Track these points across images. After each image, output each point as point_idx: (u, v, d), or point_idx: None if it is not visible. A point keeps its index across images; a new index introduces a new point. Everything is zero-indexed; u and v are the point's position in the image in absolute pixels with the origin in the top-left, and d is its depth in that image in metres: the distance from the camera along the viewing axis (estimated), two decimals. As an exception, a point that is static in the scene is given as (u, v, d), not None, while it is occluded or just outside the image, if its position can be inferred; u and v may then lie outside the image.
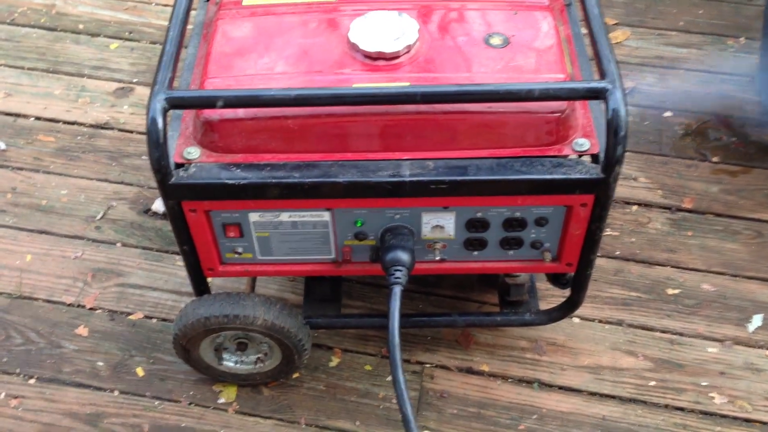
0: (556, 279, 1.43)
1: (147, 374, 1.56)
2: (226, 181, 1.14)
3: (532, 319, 1.46)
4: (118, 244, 1.75)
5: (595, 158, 1.16)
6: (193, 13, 1.28)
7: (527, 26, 1.22)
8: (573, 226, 1.22)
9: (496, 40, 1.20)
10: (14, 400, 1.53)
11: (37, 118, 2.01)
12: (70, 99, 2.05)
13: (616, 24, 2.19)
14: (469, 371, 1.55)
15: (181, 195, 1.16)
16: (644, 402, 1.50)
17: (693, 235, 1.74)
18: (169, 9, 1.25)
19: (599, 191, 1.15)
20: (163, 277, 1.70)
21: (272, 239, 1.26)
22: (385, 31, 1.18)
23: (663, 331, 1.59)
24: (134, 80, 2.09)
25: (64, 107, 2.03)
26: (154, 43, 2.18)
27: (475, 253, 1.28)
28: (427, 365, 1.55)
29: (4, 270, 1.72)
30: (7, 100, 2.05)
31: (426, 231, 1.24)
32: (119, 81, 2.09)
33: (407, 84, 1.14)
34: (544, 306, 1.52)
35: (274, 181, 1.14)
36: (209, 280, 1.36)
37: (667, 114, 1.97)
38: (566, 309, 1.43)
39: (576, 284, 1.36)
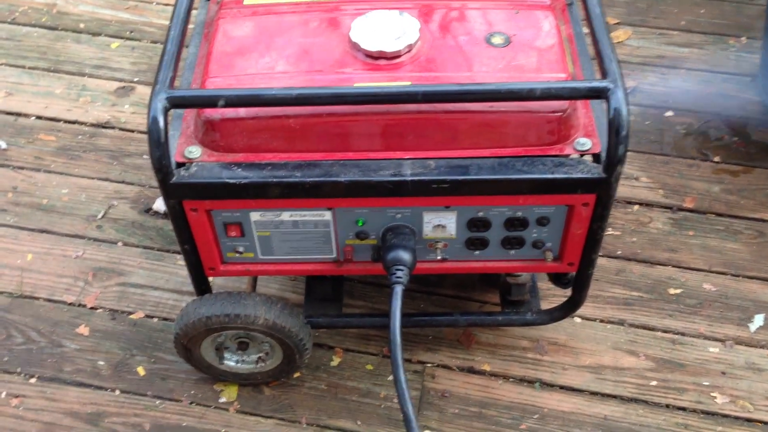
0: (558, 279, 1.43)
1: (148, 373, 1.56)
2: (228, 180, 1.14)
3: (534, 318, 1.46)
4: (119, 244, 1.75)
5: (596, 158, 1.16)
6: (194, 12, 1.28)
7: (528, 25, 1.22)
8: (575, 225, 1.22)
9: (497, 40, 1.20)
10: (15, 399, 1.53)
11: (38, 117, 2.01)
12: (71, 98, 2.05)
13: (617, 23, 2.19)
14: (471, 371, 1.55)
15: (182, 194, 1.16)
16: (646, 402, 1.50)
17: (694, 234, 1.73)
18: (170, 8, 1.25)
19: (601, 191, 1.15)
20: (164, 276, 1.70)
21: (273, 238, 1.26)
22: (386, 30, 1.17)
23: (664, 331, 1.59)
24: (135, 79, 2.09)
25: (65, 106, 2.03)
26: (155, 42, 2.18)
27: (477, 252, 1.28)
28: (429, 365, 1.55)
29: (5, 269, 1.72)
30: (8, 99, 2.05)
31: (427, 230, 1.24)
32: (120, 80, 2.09)
33: (408, 83, 1.14)
34: (545, 306, 1.52)
35: (275, 180, 1.14)
36: (210, 279, 1.36)
37: (669, 113, 1.97)
38: (568, 309, 1.43)
39: (577, 284, 1.36)
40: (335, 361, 1.56)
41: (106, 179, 1.87)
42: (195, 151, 1.17)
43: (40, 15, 2.27)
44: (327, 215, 1.22)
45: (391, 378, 1.53)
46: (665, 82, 2.04)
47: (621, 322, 1.60)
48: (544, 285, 1.58)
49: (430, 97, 1.08)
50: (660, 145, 1.90)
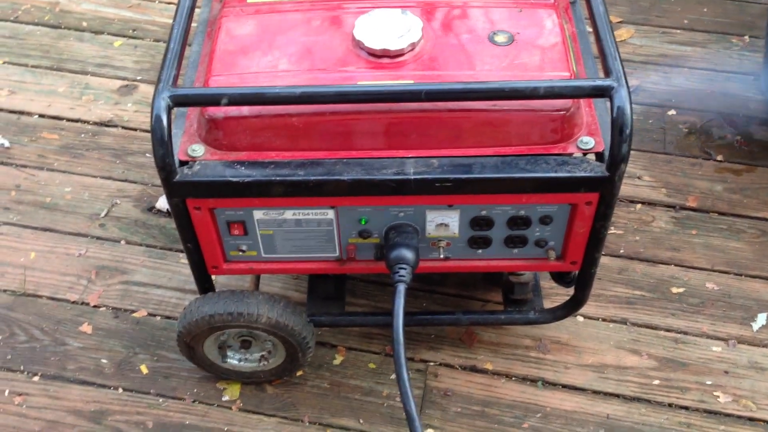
0: (561, 277, 1.43)
1: (151, 372, 1.56)
2: (231, 178, 1.14)
3: (536, 317, 1.46)
4: (122, 242, 1.75)
5: (599, 156, 1.16)
6: (197, 10, 1.28)
7: (532, 24, 1.22)
8: (578, 224, 1.21)
9: (500, 38, 1.20)
10: (18, 397, 1.53)
11: (41, 116, 2.01)
12: (73, 96, 2.05)
13: (620, 22, 2.18)
14: (473, 369, 1.55)
15: (185, 193, 1.16)
16: (648, 401, 1.50)
17: (697, 233, 1.73)
18: (173, 6, 1.25)
19: (604, 189, 1.15)
20: (167, 274, 1.70)
21: (276, 237, 1.26)
22: (389, 28, 1.17)
23: (667, 330, 1.59)
24: (138, 78, 2.09)
25: (67, 105, 2.03)
26: (157, 40, 2.18)
27: (480, 251, 1.28)
28: (431, 363, 1.55)
29: (9, 267, 1.72)
30: (11, 97, 2.05)
31: (430, 229, 1.24)
32: (123, 78, 2.09)
33: (411, 82, 1.14)
34: (548, 304, 1.52)
35: (278, 178, 1.14)
36: (213, 277, 1.36)
37: (672, 112, 1.97)
38: (570, 307, 1.43)
39: (580, 283, 1.36)
40: (338, 359, 1.56)
41: (109, 178, 1.87)
42: (198, 150, 1.17)
43: (43, 13, 2.27)
44: (330, 214, 1.22)
45: (393, 376, 1.53)
46: (668, 80, 2.04)
47: (623, 321, 1.60)
48: (547, 284, 1.58)
49: (434, 96, 1.08)
50: (663, 144, 1.90)
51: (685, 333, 1.58)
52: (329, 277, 1.51)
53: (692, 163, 1.86)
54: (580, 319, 1.60)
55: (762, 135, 1.91)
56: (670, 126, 1.94)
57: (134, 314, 1.64)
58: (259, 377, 1.50)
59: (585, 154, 1.16)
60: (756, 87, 2.00)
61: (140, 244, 1.75)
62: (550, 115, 1.14)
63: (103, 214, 1.80)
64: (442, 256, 1.28)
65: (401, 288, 1.20)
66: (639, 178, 1.83)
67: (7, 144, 1.94)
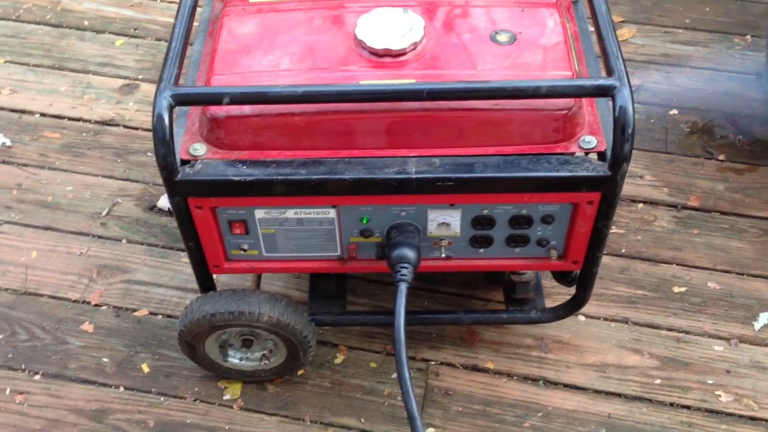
0: (562, 277, 1.43)
1: (152, 370, 1.56)
2: (232, 177, 1.14)
3: (538, 316, 1.46)
4: (124, 241, 1.75)
5: (601, 156, 1.16)
6: (199, 9, 1.28)
7: (534, 23, 1.22)
8: (579, 223, 1.21)
9: (502, 37, 1.20)
10: (19, 395, 1.53)
11: (43, 115, 2.01)
12: (75, 95, 2.05)
13: (622, 21, 2.18)
14: (475, 368, 1.55)
15: (187, 192, 1.16)
16: (650, 400, 1.50)
17: (699, 233, 1.73)
18: (174, 6, 1.26)
19: (606, 189, 1.15)
20: (169, 273, 1.70)
21: (278, 236, 1.26)
22: (391, 27, 1.17)
23: (669, 329, 1.59)
24: (139, 77, 2.09)
25: (69, 104, 2.03)
26: (159, 39, 2.18)
27: (481, 250, 1.28)
28: (432, 362, 1.55)
29: (10, 266, 1.72)
30: (13, 96, 2.05)
31: (432, 228, 1.24)
32: (125, 78, 2.09)
33: (413, 81, 1.14)
34: (549, 304, 1.52)
35: (280, 177, 1.14)
36: (214, 276, 1.35)
37: (673, 112, 1.96)
38: (572, 307, 1.43)
39: (582, 282, 1.36)
40: (339, 358, 1.56)
41: (111, 176, 1.87)
42: (200, 149, 1.17)
43: (45, 12, 2.27)
44: (331, 213, 1.22)
45: (394, 375, 1.53)
46: (670, 80, 2.04)
47: (625, 321, 1.60)
48: (549, 283, 1.58)
49: (435, 95, 1.08)
50: (664, 144, 1.90)
51: (687, 332, 1.58)
52: (330, 276, 1.51)
53: (694, 163, 1.86)
54: (582, 318, 1.60)
55: (764, 134, 1.91)
56: (672, 125, 1.94)
57: (135, 313, 1.64)
58: (261, 376, 1.50)
59: (587, 154, 1.16)
60: (758, 86, 1.99)
61: (141, 243, 1.75)
62: (552, 114, 1.14)
63: (104, 213, 1.80)
64: (443, 256, 1.28)
65: (403, 287, 1.20)
66: (641, 177, 1.83)
67: (8, 143, 1.94)
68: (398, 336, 1.16)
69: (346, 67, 1.17)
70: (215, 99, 1.09)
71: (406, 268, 1.21)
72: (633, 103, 1.06)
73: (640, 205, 1.78)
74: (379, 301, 1.63)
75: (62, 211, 1.81)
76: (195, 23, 1.22)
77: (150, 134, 1.09)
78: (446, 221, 1.23)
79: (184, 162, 1.16)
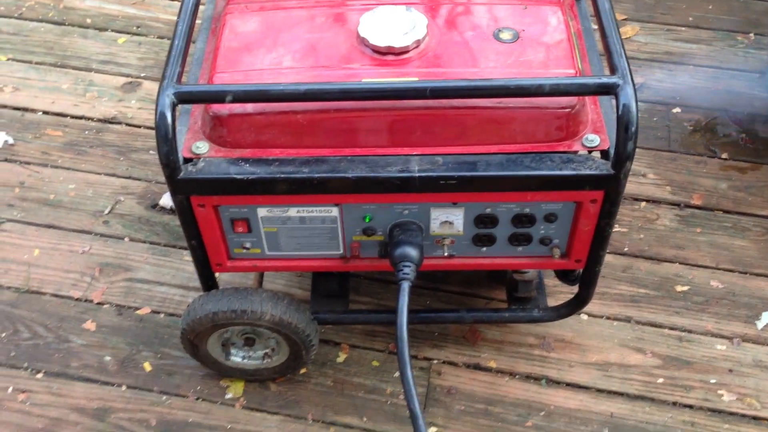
0: (565, 275, 1.42)
1: (154, 369, 1.56)
2: (235, 176, 1.14)
3: (540, 315, 1.46)
4: (126, 239, 1.75)
5: (605, 154, 1.16)
6: (201, 7, 1.28)
7: (537, 21, 1.22)
8: (582, 222, 1.21)
9: (505, 35, 1.19)
10: (22, 394, 1.53)
11: (45, 113, 2.01)
12: (77, 93, 2.05)
13: (625, 19, 2.18)
14: (477, 367, 1.54)
15: (189, 190, 1.16)
16: (652, 399, 1.50)
17: (702, 231, 1.73)
18: (177, 3, 1.25)
19: (609, 187, 1.15)
20: (171, 272, 1.70)
21: (280, 234, 1.26)
22: (394, 25, 1.17)
23: (671, 328, 1.59)
24: (142, 75, 2.09)
25: (71, 102, 2.03)
26: (161, 37, 2.18)
27: (484, 249, 1.28)
28: (435, 361, 1.55)
29: (12, 264, 1.72)
30: (15, 94, 2.05)
31: (435, 227, 1.24)
32: (127, 75, 2.09)
33: (416, 79, 1.14)
34: (552, 302, 1.52)
35: (282, 176, 1.14)
36: (217, 275, 1.35)
37: (676, 110, 1.96)
38: (574, 306, 1.42)
39: (584, 281, 1.36)
40: (341, 357, 1.56)
41: (113, 175, 1.87)
42: (202, 147, 1.17)
43: (47, 10, 2.27)
44: (334, 211, 1.22)
45: (397, 374, 1.53)
46: (673, 78, 2.04)
47: (628, 320, 1.60)
48: (551, 282, 1.58)
49: (438, 93, 1.08)
50: (667, 142, 1.90)
51: (690, 331, 1.58)
52: (333, 275, 1.51)
53: (697, 161, 1.86)
54: (584, 317, 1.60)
55: (767, 132, 1.90)
56: (675, 123, 1.93)
57: (138, 311, 1.64)
58: (263, 375, 1.50)
59: (590, 152, 1.16)
60: (761, 84, 1.99)
61: (144, 242, 1.75)
62: (556, 112, 1.14)
63: (106, 211, 1.80)
64: (446, 254, 1.28)
65: (405, 286, 1.19)
66: (643, 175, 1.83)
67: (11, 141, 1.94)
68: (401, 335, 1.15)
69: (349, 65, 1.16)
70: (218, 97, 1.09)
71: (409, 266, 1.21)
72: (636, 101, 1.06)
73: (643, 204, 1.78)
74: (381, 299, 1.63)
75: (64, 209, 1.81)
76: (198, 21, 1.21)
77: (152, 132, 1.09)
78: (449, 220, 1.23)
79: (187, 160, 1.16)
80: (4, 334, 1.61)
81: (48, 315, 1.63)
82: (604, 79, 1.08)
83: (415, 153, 1.15)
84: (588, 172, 1.13)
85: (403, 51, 1.16)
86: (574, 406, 1.49)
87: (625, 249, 1.70)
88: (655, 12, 2.20)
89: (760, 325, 1.58)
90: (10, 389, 1.54)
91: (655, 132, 1.91)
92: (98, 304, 1.65)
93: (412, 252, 1.21)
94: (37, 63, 2.13)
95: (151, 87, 2.05)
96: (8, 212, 1.80)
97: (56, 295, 1.67)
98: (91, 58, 2.13)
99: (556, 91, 1.07)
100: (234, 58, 1.18)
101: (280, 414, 1.50)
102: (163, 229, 1.77)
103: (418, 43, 1.17)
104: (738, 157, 1.86)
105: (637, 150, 1.10)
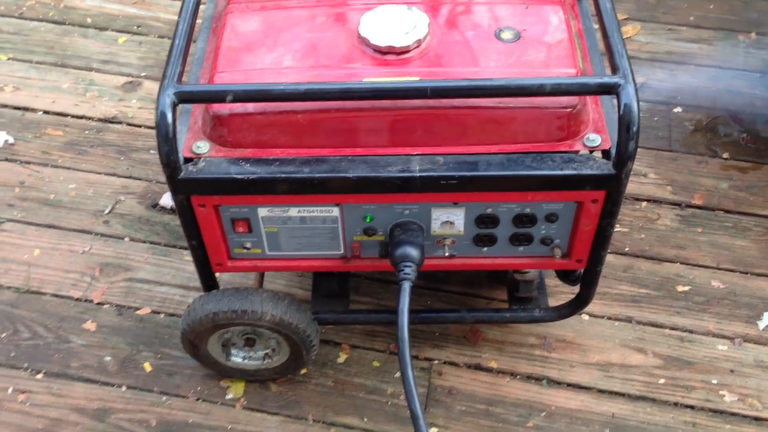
0: (566, 275, 1.42)
1: (154, 369, 1.55)
2: (235, 175, 1.13)
3: (541, 315, 1.46)
4: (126, 239, 1.75)
5: (606, 154, 1.15)
6: (202, 7, 1.27)
7: (538, 20, 1.22)
8: (584, 222, 1.21)
9: (506, 35, 1.19)
10: (21, 394, 1.53)
11: (45, 112, 2.01)
12: (78, 93, 2.05)
13: (626, 19, 2.17)
14: (478, 368, 1.54)
15: (190, 190, 1.16)
16: (654, 399, 1.49)
17: (703, 231, 1.73)
18: (178, 3, 1.25)
19: (610, 187, 1.15)
20: (171, 271, 1.69)
21: (281, 234, 1.25)
22: (395, 25, 1.17)
23: (672, 329, 1.58)
24: (142, 74, 2.09)
25: (72, 101, 2.03)
26: (162, 37, 2.18)
27: (485, 249, 1.28)
28: (436, 361, 1.55)
29: (12, 264, 1.72)
30: (16, 93, 2.05)
31: (435, 227, 1.24)
32: (127, 75, 2.09)
33: (417, 78, 1.13)
34: (553, 302, 1.51)
35: (283, 176, 1.13)
36: (217, 275, 1.35)
37: (677, 110, 1.96)
38: (575, 306, 1.42)
39: (586, 281, 1.35)
40: (342, 357, 1.56)
41: (114, 174, 1.87)
42: (203, 147, 1.16)
43: (48, 9, 2.26)
44: (335, 211, 1.22)
45: (397, 375, 1.53)
46: (674, 77, 2.03)
47: (629, 320, 1.60)
48: (552, 282, 1.58)
49: (439, 93, 1.07)
50: (668, 142, 1.89)
51: (691, 331, 1.58)
52: (333, 275, 1.51)
53: (698, 161, 1.85)
54: (585, 317, 1.60)
55: (768, 133, 1.91)
56: (676, 123, 1.93)
57: (138, 311, 1.64)
58: (263, 375, 1.50)
59: (591, 152, 1.16)
60: (762, 84, 1.99)
61: (144, 241, 1.75)
62: (557, 112, 1.14)
63: (107, 211, 1.80)
64: (447, 254, 1.28)
65: (406, 286, 1.19)
66: (644, 175, 1.82)
67: (11, 140, 1.94)
68: (402, 335, 1.15)
69: (350, 65, 1.16)
70: (218, 96, 1.09)
71: (410, 266, 1.20)
72: (638, 101, 1.06)
73: (644, 204, 1.78)
74: (382, 299, 1.63)
75: (65, 209, 1.81)
76: (198, 20, 1.21)
77: (153, 132, 1.09)
78: (450, 220, 1.23)
79: (187, 160, 1.16)
80: (4, 335, 1.61)
81: (48, 315, 1.63)
82: (606, 79, 1.07)
83: (415, 153, 1.15)
84: (589, 172, 1.13)
85: (404, 50, 1.16)
86: (575, 407, 1.49)
87: (626, 249, 1.70)
88: (656, 11, 2.20)
89: (761, 325, 1.58)
90: (10, 389, 1.53)
91: (656, 132, 1.91)
92: (98, 304, 1.65)
93: (413, 252, 1.21)
94: (37, 62, 2.12)
95: (151, 86, 2.05)
96: (8, 212, 1.80)
97: (56, 295, 1.66)
98: (92, 58, 2.13)
99: (558, 90, 1.07)
100: (235, 58, 1.18)
101: (280, 414, 1.49)
102: (163, 228, 1.77)
103: (419, 42, 1.16)
104: (739, 157, 1.86)
105: (637, 150, 1.09)
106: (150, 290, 1.67)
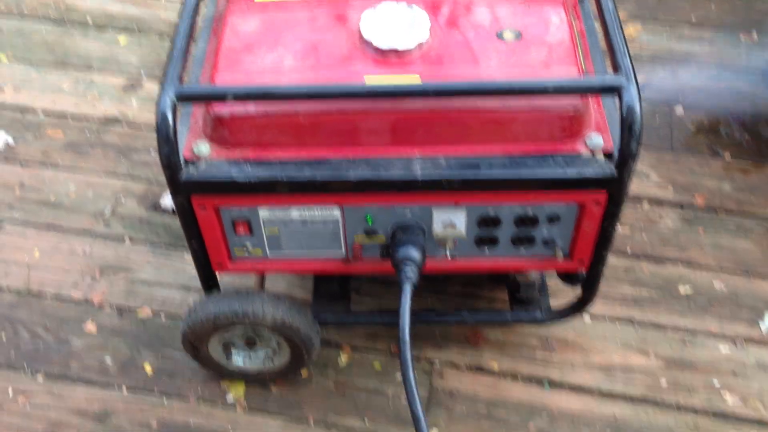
0: (568, 277, 1.41)
1: (155, 371, 1.55)
2: (236, 177, 1.13)
3: (543, 316, 1.45)
4: (127, 240, 1.75)
5: (608, 155, 1.15)
6: (203, 7, 1.27)
7: (540, 20, 1.21)
8: (585, 223, 1.20)
9: (508, 35, 1.19)
10: (22, 396, 1.52)
11: (46, 113, 2.00)
12: (78, 93, 2.04)
13: (627, 19, 2.17)
14: (479, 369, 1.54)
15: (190, 191, 1.16)
16: (656, 401, 1.49)
17: (705, 232, 1.72)
18: (178, 3, 1.25)
19: (613, 188, 1.14)
20: (172, 273, 1.69)
21: (282, 236, 1.25)
22: (396, 24, 1.16)
23: (674, 330, 1.58)
24: (143, 75, 2.08)
25: (72, 101, 2.02)
26: (162, 37, 2.18)
27: (487, 250, 1.27)
28: (437, 363, 1.54)
29: (13, 266, 1.71)
30: (16, 94, 2.04)
31: (437, 228, 1.23)
32: (128, 76, 2.08)
33: (418, 78, 1.13)
34: (554, 303, 1.51)
35: (284, 177, 1.13)
36: (218, 276, 1.35)
37: (679, 110, 1.95)
38: (577, 307, 1.42)
39: (587, 282, 1.35)
40: (343, 359, 1.55)
41: (114, 175, 1.86)
42: (203, 148, 1.16)
43: (48, 9, 2.26)
44: (336, 212, 1.21)
45: (399, 376, 1.52)
46: (675, 77, 2.03)
47: (630, 321, 1.59)
48: (553, 283, 1.57)
49: (441, 93, 1.07)
50: (670, 142, 1.89)
51: (693, 333, 1.57)
52: (334, 276, 1.50)
53: (700, 162, 1.85)
54: (587, 318, 1.59)
55: (770, 133, 1.90)
56: (678, 124, 1.93)
57: (138, 313, 1.63)
58: (264, 377, 1.50)
59: (593, 153, 1.15)
60: (764, 84, 1.98)
61: (145, 242, 1.74)
62: (559, 112, 1.13)
63: (107, 212, 1.80)
64: (448, 256, 1.27)
65: (407, 287, 1.19)
66: (646, 176, 1.82)
67: (11, 141, 1.93)
68: (403, 337, 1.15)
69: (351, 65, 1.16)
70: (219, 97, 1.09)
71: (411, 268, 1.20)
72: (641, 101, 1.05)
73: (646, 205, 1.77)
74: (383, 300, 1.63)
75: (65, 210, 1.80)
76: (199, 21, 1.21)
77: (153, 132, 1.08)
78: (451, 221, 1.22)
79: (188, 161, 1.15)
80: (4, 336, 1.60)
81: (48, 316, 1.63)
82: (608, 79, 1.07)
83: (417, 154, 1.15)
84: (591, 173, 1.12)
85: (406, 50, 1.15)
86: (577, 409, 1.48)
87: (628, 250, 1.70)
88: (658, 11, 2.19)
89: (763, 326, 1.58)
90: (10, 391, 1.53)
91: (658, 132, 1.91)
92: (99, 305, 1.65)
93: (415, 253, 1.21)
94: (37, 63, 2.12)
95: (152, 87, 2.05)
96: (8, 213, 1.80)
97: (56, 297, 1.66)
98: (92, 58, 2.12)
99: (560, 91, 1.06)
100: (235, 58, 1.18)
101: (281, 416, 1.49)
102: (163, 229, 1.76)
103: (420, 42, 1.16)
104: (741, 158, 1.85)
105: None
106: (150, 291, 1.66)
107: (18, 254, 1.73)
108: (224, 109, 1.13)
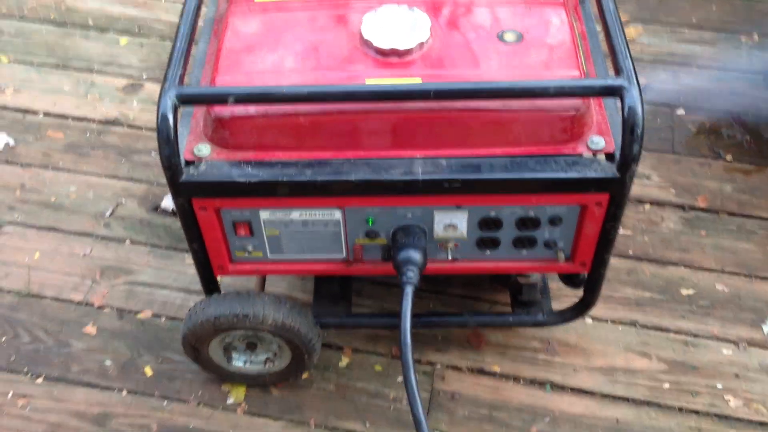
0: (569, 279, 1.41)
1: (155, 373, 1.55)
2: (237, 178, 1.13)
3: (545, 319, 1.45)
4: (127, 242, 1.74)
5: (610, 157, 1.15)
6: (203, 9, 1.27)
7: (541, 22, 1.21)
8: (587, 225, 1.20)
9: (509, 36, 1.18)
10: (22, 399, 1.52)
11: (46, 114, 2.00)
12: (79, 95, 2.04)
13: (628, 20, 2.17)
14: (481, 372, 1.53)
15: (191, 193, 1.15)
16: (658, 404, 1.48)
17: (707, 234, 1.72)
18: (179, 4, 1.24)
19: (614, 190, 1.14)
20: (172, 275, 1.69)
21: (283, 238, 1.25)
22: (396, 26, 1.16)
23: (677, 332, 1.57)
24: (144, 76, 2.08)
25: (73, 103, 2.02)
26: (163, 39, 2.17)
27: (488, 252, 1.27)
28: (438, 365, 1.54)
29: (13, 267, 1.71)
30: (17, 95, 2.04)
31: (438, 230, 1.23)
32: (129, 77, 2.08)
33: (420, 80, 1.13)
34: (556, 306, 1.50)
35: (285, 179, 1.13)
36: (218, 278, 1.34)
37: (680, 111, 1.95)
38: (579, 309, 1.41)
39: (589, 284, 1.35)
40: (344, 361, 1.55)
41: (114, 177, 1.86)
42: (204, 149, 1.16)
43: (49, 11, 2.26)
44: (337, 214, 1.21)
45: (400, 379, 1.52)
46: (676, 79, 2.03)
47: (633, 323, 1.59)
48: (555, 285, 1.57)
49: (442, 95, 1.06)
50: (671, 144, 1.89)
51: (695, 335, 1.57)
52: (335, 278, 1.50)
53: (701, 163, 1.85)
54: (589, 321, 1.59)
55: (772, 135, 1.90)
56: (679, 125, 1.92)
57: (139, 315, 1.63)
58: (265, 380, 1.49)
59: (595, 155, 1.15)
60: (765, 85, 1.98)
61: (145, 244, 1.74)
62: (560, 114, 1.13)
63: (108, 214, 1.79)
64: (450, 258, 1.27)
65: (409, 289, 1.18)
66: (648, 178, 1.81)
67: (12, 143, 1.93)
68: (404, 339, 1.14)
69: (352, 67, 1.15)
70: (220, 99, 1.08)
71: (412, 270, 1.20)
72: (642, 103, 1.05)
73: (647, 206, 1.77)
74: (384, 302, 1.62)
75: (65, 212, 1.80)
76: (200, 22, 1.20)
77: (154, 134, 1.08)
78: (453, 223, 1.22)
79: (189, 162, 1.15)
80: (4, 339, 1.60)
81: (48, 319, 1.62)
82: (610, 81, 1.07)
83: (418, 155, 1.14)
84: (593, 174, 1.12)
85: (407, 52, 1.15)
86: (579, 412, 1.48)
87: (630, 252, 1.69)
88: (658, 13, 2.19)
89: (766, 329, 1.57)
90: (10, 394, 1.53)
91: (659, 134, 1.90)
92: (99, 307, 1.64)
93: (416, 255, 1.20)
94: (38, 64, 2.12)
95: (152, 88, 2.05)
96: (9, 215, 1.79)
97: (57, 299, 1.66)
98: (93, 60, 2.12)
99: (561, 93, 1.06)
100: (236, 60, 1.17)
101: (282, 419, 1.48)
102: (164, 231, 1.76)
103: (421, 44, 1.16)
104: (742, 159, 1.85)
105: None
106: (151, 293, 1.66)
107: (18, 256, 1.72)
108: (225, 111, 1.13)
